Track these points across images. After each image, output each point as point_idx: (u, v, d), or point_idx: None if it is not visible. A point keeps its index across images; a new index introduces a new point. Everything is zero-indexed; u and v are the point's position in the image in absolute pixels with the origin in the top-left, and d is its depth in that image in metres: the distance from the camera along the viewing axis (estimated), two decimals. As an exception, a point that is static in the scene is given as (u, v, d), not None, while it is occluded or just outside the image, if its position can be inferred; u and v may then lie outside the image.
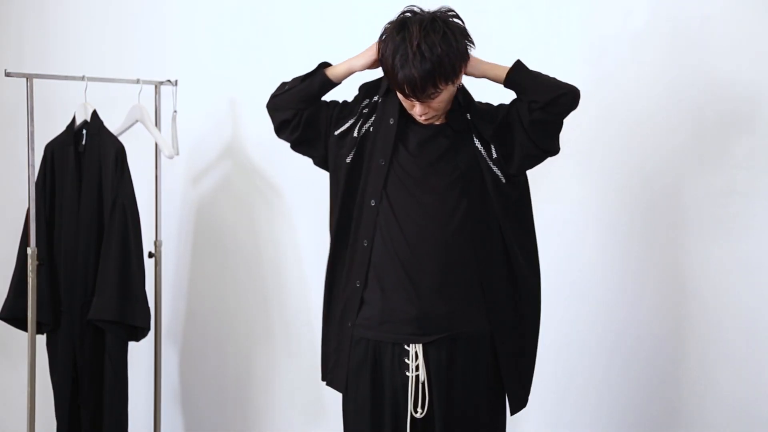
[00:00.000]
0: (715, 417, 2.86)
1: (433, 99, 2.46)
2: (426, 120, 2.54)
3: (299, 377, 3.81)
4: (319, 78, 2.64)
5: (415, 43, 2.38)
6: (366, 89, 2.69)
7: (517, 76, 2.53)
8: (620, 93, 2.99)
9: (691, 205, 2.86)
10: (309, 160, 3.68)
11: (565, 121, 3.11)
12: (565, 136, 3.12)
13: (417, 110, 2.51)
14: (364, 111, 2.65)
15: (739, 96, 2.77)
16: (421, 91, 2.42)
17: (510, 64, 2.55)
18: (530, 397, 2.61)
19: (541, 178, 3.13)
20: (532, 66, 3.01)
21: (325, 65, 2.67)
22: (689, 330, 2.88)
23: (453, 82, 2.47)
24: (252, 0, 3.87)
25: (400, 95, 2.51)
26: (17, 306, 3.61)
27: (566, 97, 2.53)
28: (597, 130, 3.04)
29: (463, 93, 2.61)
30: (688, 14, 2.85)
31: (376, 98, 2.64)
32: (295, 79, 2.68)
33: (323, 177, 2.78)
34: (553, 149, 2.60)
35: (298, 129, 2.68)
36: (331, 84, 2.65)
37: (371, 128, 2.62)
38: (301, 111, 2.66)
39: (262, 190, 3.88)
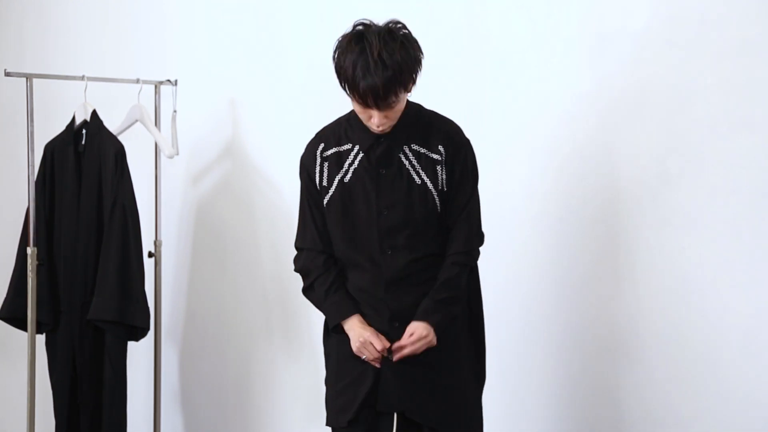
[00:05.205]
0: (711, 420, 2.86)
1: (392, 108, 2.51)
2: (381, 129, 2.57)
3: (299, 377, 3.81)
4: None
5: (375, 53, 2.42)
6: (305, 164, 2.73)
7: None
8: (620, 93, 2.98)
9: (691, 205, 2.86)
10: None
11: (565, 121, 3.12)
12: (564, 136, 3.13)
13: (375, 120, 2.53)
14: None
15: (738, 96, 2.77)
16: (384, 99, 2.46)
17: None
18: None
19: (540, 177, 3.13)
20: (530, 66, 3.02)
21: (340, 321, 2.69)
22: (688, 330, 2.88)
23: (408, 90, 2.53)
24: (252, 0, 3.87)
25: (357, 107, 2.54)
26: (17, 306, 3.62)
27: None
28: (596, 129, 3.04)
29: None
30: (688, 14, 2.85)
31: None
32: (316, 300, 2.80)
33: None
34: None
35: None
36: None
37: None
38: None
39: (262, 190, 3.88)
